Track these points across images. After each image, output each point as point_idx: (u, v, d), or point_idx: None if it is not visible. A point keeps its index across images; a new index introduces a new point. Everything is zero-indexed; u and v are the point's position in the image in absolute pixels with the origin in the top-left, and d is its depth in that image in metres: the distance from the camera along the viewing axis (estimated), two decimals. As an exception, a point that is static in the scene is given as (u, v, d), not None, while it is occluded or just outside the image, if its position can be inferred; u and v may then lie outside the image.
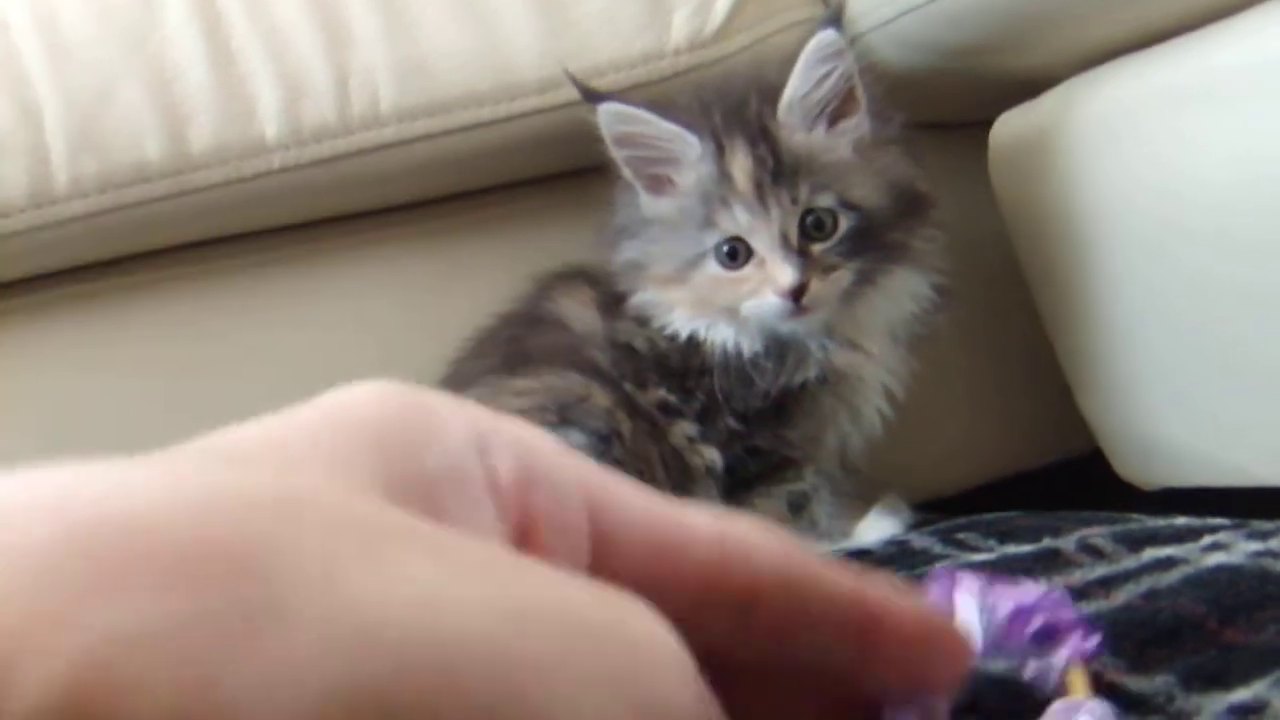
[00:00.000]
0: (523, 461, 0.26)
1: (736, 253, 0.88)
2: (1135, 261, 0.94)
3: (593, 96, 0.91)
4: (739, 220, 0.87)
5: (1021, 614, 0.36)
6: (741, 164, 0.87)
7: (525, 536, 0.26)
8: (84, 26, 0.98)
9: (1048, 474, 1.18)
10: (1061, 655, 0.37)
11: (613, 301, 0.94)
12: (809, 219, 0.86)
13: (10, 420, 1.03)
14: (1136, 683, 0.46)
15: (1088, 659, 0.37)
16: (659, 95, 0.98)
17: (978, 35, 0.98)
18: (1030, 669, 0.37)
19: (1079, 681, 0.37)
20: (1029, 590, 0.37)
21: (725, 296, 0.89)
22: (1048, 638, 0.37)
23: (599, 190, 0.94)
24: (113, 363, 1.05)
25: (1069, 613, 0.37)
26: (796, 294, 0.85)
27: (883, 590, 0.30)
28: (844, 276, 0.87)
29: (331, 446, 0.24)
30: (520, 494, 0.26)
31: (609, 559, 0.26)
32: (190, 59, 0.98)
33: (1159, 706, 0.44)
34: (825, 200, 0.86)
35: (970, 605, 0.36)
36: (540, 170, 1.10)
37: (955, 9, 0.95)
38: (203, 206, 1.00)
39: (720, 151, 0.88)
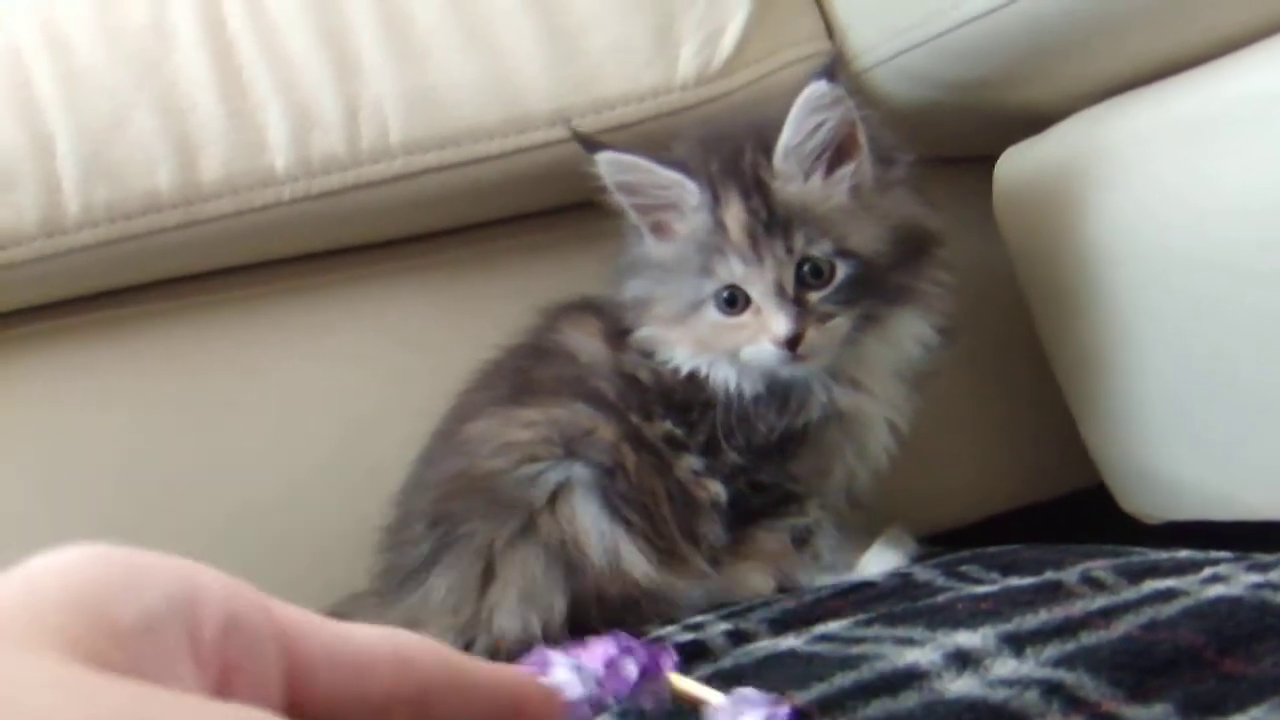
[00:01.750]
0: (228, 619, 0.31)
1: (735, 300, 0.88)
2: (1140, 296, 0.94)
3: (591, 146, 0.91)
4: (735, 270, 0.87)
5: (612, 662, 0.43)
6: (735, 215, 0.87)
7: (227, 683, 0.31)
8: (96, 53, 0.99)
9: (1053, 508, 1.17)
10: (660, 679, 0.43)
11: (619, 333, 0.94)
12: (806, 267, 0.86)
13: (15, 447, 1.03)
14: (1135, 712, 0.46)
15: (677, 668, 0.44)
16: (667, 128, 0.99)
17: (983, 70, 0.99)
18: (646, 699, 0.43)
19: (682, 684, 0.44)
20: (604, 644, 0.43)
21: (725, 341, 0.89)
22: (646, 673, 0.43)
23: (607, 223, 0.94)
24: (118, 391, 1.05)
25: (646, 647, 0.44)
26: (792, 343, 0.86)
27: (512, 669, 0.39)
28: (842, 324, 0.87)
29: (29, 614, 0.28)
30: (221, 648, 0.31)
31: (308, 690, 0.33)
32: (201, 89, 0.99)
33: (1156, 735, 0.44)
34: (821, 249, 0.86)
35: (565, 669, 0.42)
36: (548, 203, 1.10)
37: (960, 44, 0.95)
38: (212, 237, 1.00)
39: (716, 201, 0.88)
